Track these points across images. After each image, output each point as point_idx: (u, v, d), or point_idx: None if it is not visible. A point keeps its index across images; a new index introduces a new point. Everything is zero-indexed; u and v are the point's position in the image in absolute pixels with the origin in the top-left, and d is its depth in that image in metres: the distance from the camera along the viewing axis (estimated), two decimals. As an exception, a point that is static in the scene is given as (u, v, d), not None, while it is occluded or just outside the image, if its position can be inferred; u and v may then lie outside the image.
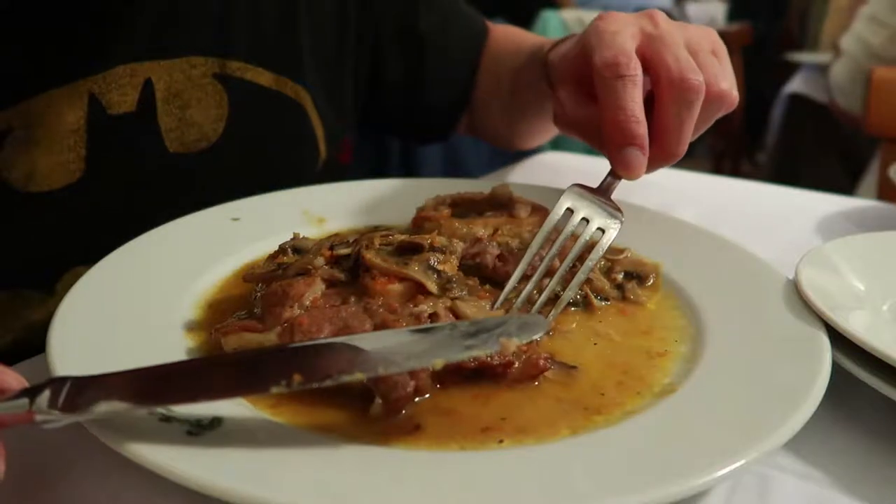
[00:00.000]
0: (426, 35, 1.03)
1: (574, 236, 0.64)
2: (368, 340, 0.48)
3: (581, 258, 0.63)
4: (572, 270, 0.63)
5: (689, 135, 0.66)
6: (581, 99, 0.71)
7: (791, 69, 3.79)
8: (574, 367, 0.55)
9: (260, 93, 0.85)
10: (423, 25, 1.03)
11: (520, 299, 0.61)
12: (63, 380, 0.43)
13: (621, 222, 0.65)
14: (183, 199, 0.79)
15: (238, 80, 0.82)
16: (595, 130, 0.68)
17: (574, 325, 0.61)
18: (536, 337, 0.50)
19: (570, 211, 0.65)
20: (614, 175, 0.67)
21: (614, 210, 0.66)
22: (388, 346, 0.47)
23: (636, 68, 0.64)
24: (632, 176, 0.65)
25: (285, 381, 0.43)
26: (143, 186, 0.78)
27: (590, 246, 0.64)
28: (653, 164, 0.67)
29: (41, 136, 0.70)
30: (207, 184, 0.82)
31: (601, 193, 0.67)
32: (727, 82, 0.67)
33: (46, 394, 0.41)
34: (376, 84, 1.04)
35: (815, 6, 4.52)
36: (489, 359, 0.52)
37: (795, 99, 3.57)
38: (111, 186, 0.75)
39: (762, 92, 4.02)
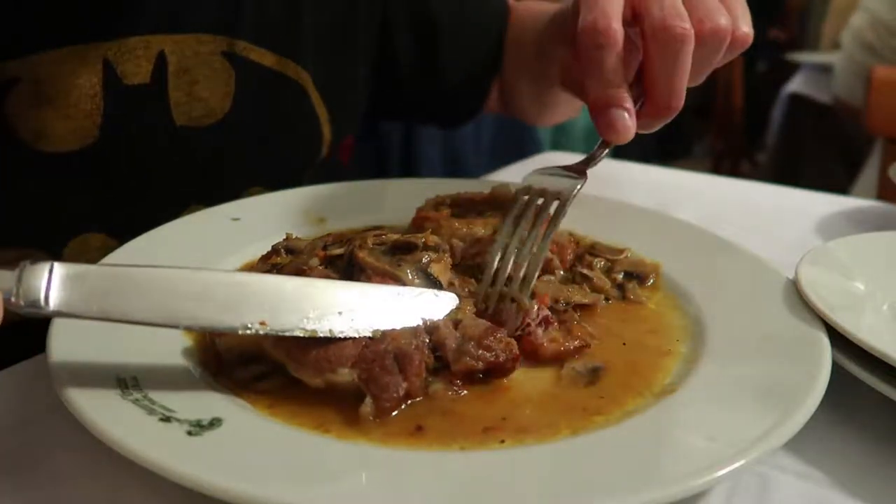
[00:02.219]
0: (439, 17, 1.02)
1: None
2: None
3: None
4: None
5: (682, 86, 0.63)
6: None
7: (791, 69, 3.79)
8: (601, 366, 0.55)
9: (264, 73, 0.85)
10: (436, 7, 1.02)
11: (494, 292, 0.60)
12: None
13: (582, 182, 0.63)
14: (189, 172, 0.80)
15: (244, 59, 0.83)
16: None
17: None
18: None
19: (527, 195, 0.64)
20: (604, 144, 0.65)
21: (574, 175, 0.64)
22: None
23: (615, 34, 0.61)
24: (619, 138, 0.63)
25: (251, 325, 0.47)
26: (152, 158, 0.79)
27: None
28: (650, 120, 0.65)
29: (53, 96, 0.70)
30: (213, 159, 0.83)
31: (573, 167, 0.65)
32: (725, 17, 0.62)
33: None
34: (390, 69, 1.03)
35: (815, 6, 4.52)
36: (496, 357, 0.52)
37: (795, 99, 3.58)
38: (122, 155, 0.76)
39: (762, 92, 4.02)
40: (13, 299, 0.44)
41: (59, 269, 0.46)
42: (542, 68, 0.99)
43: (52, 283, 0.45)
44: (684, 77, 0.63)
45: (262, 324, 0.49)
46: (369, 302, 0.53)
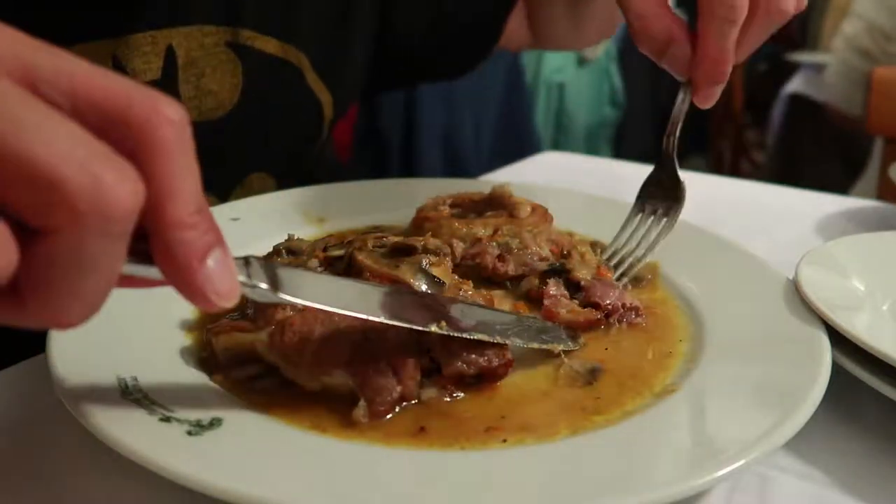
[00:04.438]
0: None
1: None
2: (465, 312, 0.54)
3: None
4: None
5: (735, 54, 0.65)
6: (663, 10, 0.67)
7: (791, 69, 3.79)
8: (599, 367, 0.55)
9: (269, 61, 0.85)
10: None
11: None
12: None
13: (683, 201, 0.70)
14: (201, 167, 0.80)
15: (249, 48, 0.83)
16: (667, 46, 0.66)
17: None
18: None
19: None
20: (690, 100, 0.68)
21: (677, 193, 0.70)
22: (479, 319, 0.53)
23: (744, 9, 0.62)
24: (708, 106, 0.67)
25: (436, 324, 0.49)
26: None
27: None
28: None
29: None
30: (217, 150, 0.82)
31: (664, 169, 0.71)
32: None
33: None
34: (394, 26, 1.00)
35: (815, 6, 4.52)
36: (489, 362, 0.52)
37: (795, 99, 3.58)
38: None
39: (762, 92, 4.02)
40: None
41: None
42: None
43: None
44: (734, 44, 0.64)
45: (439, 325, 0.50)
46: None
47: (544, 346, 0.55)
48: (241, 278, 0.41)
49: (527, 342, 0.54)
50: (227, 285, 0.38)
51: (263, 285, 0.43)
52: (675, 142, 0.71)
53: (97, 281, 0.35)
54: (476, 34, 1.06)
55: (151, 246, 0.37)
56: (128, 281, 0.39)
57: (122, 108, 0.35)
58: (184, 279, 0.37)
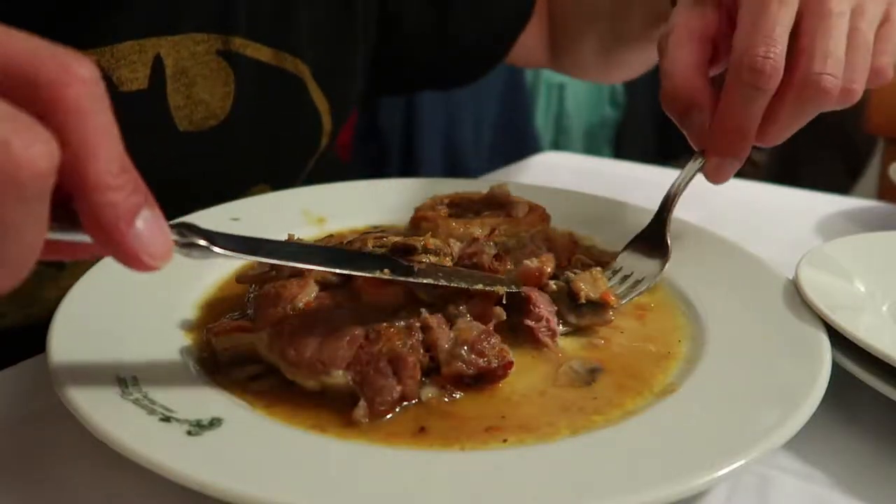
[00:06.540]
0: None
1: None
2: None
3: None
4: None
5: (783, 130, 0.61)
6: (696, 73, 0.62)
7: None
8: (599, 367, 0.55)
9: (262, 69, 0.84)
10: None
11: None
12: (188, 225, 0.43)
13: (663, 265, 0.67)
14: (193, 177, 0.79)
15: (241, 56, 0.82)
16: (689, 110, 0.62)
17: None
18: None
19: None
20: (697, 171, 0.66)
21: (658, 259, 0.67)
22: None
23: (776, 78, 0.57)
24: (719, 183, 0.64)
25: (379, 270, 0.52)
26: (155, 165, 0.76)
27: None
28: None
29: None
30: (216, 163, 0.81)
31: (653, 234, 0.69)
32: (853, 79, 0.59)
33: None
34: (397, 38, 1.00)
35: None
36: (488, 363, 0.52)
37: (795, 99, 3.57)
38: None
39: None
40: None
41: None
42: (617, 28, 0.95)
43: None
44: (758, 118, 0.61)
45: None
46: None
47: (487, 289, 0.56)
48: (175, 237, 0.41)
49: (470, 285, 0.56)
50: (159, 245, 0.38)
51: (201, 241, 0.43)
52: (670, 217, 0.69)
53: (19, 248, 0.34)
54: (479, 55, 1.06)
55: (77, 211, 0.36)
56: (59, 250, 0.38)
57: (29, 68, 0.33)
58: (113, 242, 0.36)
